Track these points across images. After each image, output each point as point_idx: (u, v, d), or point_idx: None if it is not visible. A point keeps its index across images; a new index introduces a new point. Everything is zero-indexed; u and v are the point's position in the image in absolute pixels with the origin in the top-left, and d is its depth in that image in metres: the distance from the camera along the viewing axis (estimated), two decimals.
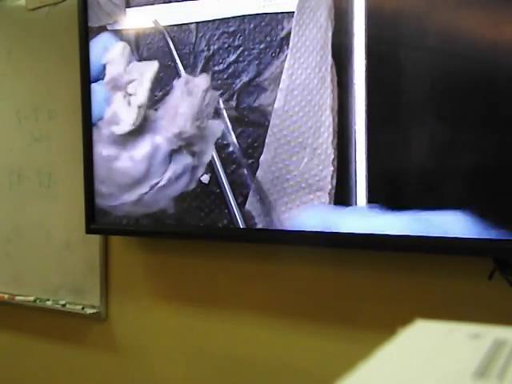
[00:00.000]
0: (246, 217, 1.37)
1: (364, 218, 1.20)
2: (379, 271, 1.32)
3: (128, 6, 1.53)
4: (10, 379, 2.01)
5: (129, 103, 1.52)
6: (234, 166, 1.38)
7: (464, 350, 0.37)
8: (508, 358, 0.35)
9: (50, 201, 1.85)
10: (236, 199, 1.38)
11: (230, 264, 1.53)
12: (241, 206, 1.37)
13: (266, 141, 1.33)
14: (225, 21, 1.38)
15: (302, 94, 1.28)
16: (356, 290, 1.35)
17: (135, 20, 1.53)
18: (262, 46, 1.33)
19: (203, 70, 1.41)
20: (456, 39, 1.12)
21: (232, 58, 1.37)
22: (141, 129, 1.51)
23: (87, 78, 1.59)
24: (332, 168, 1.25)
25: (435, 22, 1.13)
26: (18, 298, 1.92)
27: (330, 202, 1.26)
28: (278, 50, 1.31)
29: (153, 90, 1.49)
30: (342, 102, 1.23)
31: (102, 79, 1.57)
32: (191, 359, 1.62)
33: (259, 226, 1.35)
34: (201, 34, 1.42)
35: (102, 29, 1.57)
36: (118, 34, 1.55)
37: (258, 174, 1.34)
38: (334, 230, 1.25)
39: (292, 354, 1.44)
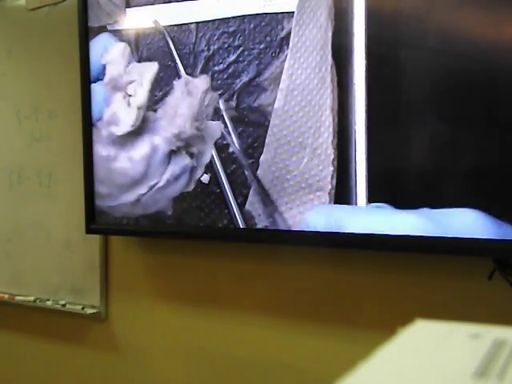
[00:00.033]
0: (246, 217, 1.37)
1: (369, 217, 1.20)
2: (379, 271, 1.32)
3: (128, 5, 1.53)
4: (10, 379, 2.01)
5: (128, 104, 1.52)
6: (234, 166, 1.38)
7: (464, 350, 0.37)
8: (508, 358, 0.35)
9: (50, 201, 1.85)
10: (236, 199, 1.38)
11: (230, 264, 1.53)
12: (241, 206, 1.37)
13: (266, 141, 1.33)
14: (225, 21, 1.38)
15: (302, 94, 1.28)
16: (356, 289, 1.35)
17: (135, 20, 1.53)
18: (261, 46, 1.33)
19: (203, 70, 1.41)
20: (456, 39, 1.12)
21: (232, 58, 1.37)
22: (140, 129, 1.51)
23: (87, 78, 1.59)
24: (332, 168, 1.25)
25: (435, 22, 1.13)
26: (17, 297, 1.92)
27: (329, 202, 1.26)
28: (278, 49, 1.31)
29: (152, 90, 1.49)
30: (342, 102, 1.23)
31: (102, 79, 1.57)
32: (191, 359, 1.62)
33: (259, 225, 1.35)
34: (201, 34, 1.42)
35: (102, 29, 1.57)
36: (118, 34, 1.55)
37: (258, 173, 1.34)
38: (340, 231, 1.24)
39: (292, 354, 1.44)
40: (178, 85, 1.45)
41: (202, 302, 1.59)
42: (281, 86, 1.30)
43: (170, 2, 1.45)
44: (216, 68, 1.40)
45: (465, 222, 1.10)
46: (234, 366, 1.54)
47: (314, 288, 1.41)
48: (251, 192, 1.36)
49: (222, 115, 1.39)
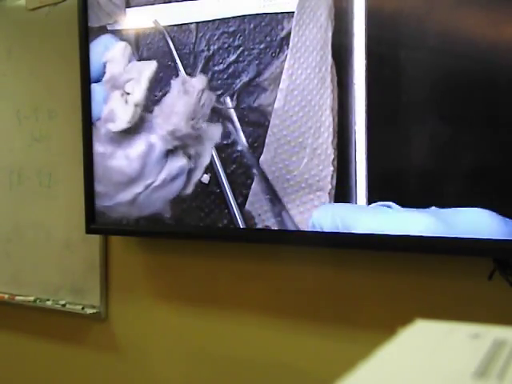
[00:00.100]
0: (246, 217, 1.37)
1: (376, 217, 1.19)
2: (379, 271, 1.32)
3: (128, 5, 1.53)
4: (10, 379, 2.01)
5: (126, 102, 1.52)
6: (234, 166, 1.38)
7: (464, 350, 0.37)
8: (508, 358, 0.35)
9: (50, 201, 1.85)
10: (236, 199, 1.38)
11: (230, 264, 1.53)
12: (241, 206, 1.37)
13: (266, 141, 1.33)
14: (225, 21, 1.38)
15: (302, 94, 1.28)
16: (356, 289, 1.35)
17: (135, 20, 1.53)
18: (261, 46, 1.33)
19: (203, 70, 1.41)
20: (456, 39, 1.12)
21: (232, 58, 1.37)
22: (137, 127, 1.51)
23: (87, 78, 1.59)
24: (332, 168, 1.25)
25: (435, 22, 1.13)
26: (17, 297, 1.92)
27: (330, 202, 1.26)
28: (278, 49, 1.31)
29: (151, 89, 1.49)
30: (342, 102, 1.23)
31: (99, 80, 1.57)
32: (191, 359, 1.62)
33: (259, 225, 1.35)
34: (201, 34, 1.42)
35: (102, 29, 1.57)
36: (118, 34, 1.55)
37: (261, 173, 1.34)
38: (347, 231, 1.24)
39: (292, 353, 1.44)
40: (175, 84, 1.45)
41: (202, 301, 1.59)
42: (281, 86, 1.30)
43: (170, 1, 1.45)
44: (216, 68, 1.40)
45: (474, 221, 1.10)
46: (234, 366, 1.54)
47: (314, 288, 1.41)
48: (254, 191, 1.35)
49: (222, 115, 1.39)
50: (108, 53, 1.56)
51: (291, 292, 1.44)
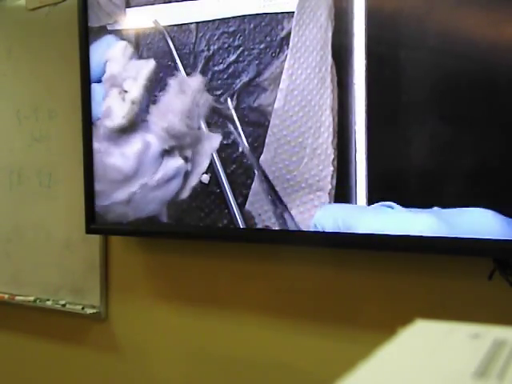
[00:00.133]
0: (246, 217, 1.37)
1: (378, 217, 1.19)
2: (379, 271, 1.32)
3: (128, 5, 1.53)
4: (10, 379, 2.01)
5: (123, 99, 1.52)
6: (234, 166, 1.38)
7: (464, 350, 0.37)
8: (508, 358, 0.35)
9: (50, 201, 1.85)
10: (236, 199, 1.38)
11: (230, 264, 1.53)
12: (241, 206, 1.37)
13: (266, 141, 1.33)
14: (225, 21, 1.38)
15: (302, 94, 1.28)
16: (356, 289, 1.35)
17: (135, 20, 1.53)
18: (262, 46, 1.33)
19: (202, 70, 1.41)
20: (456, 39, 1.12)
21: (232, 58, 1.37)
22: (134, 125, 1.51)
23: (87, 77, 1.59)
24: (332, 168, 1.25)
25: (435, 22, 1.13)
26: (17, 297, 1.92)
27: (330, 202, 1.26)
28: (278, 49, 1.31)
29: (150, 88, 1.49)
30: (342, 102, 1.23)
31: (100, 81, 1.57)
32: (191, 359, 1.62)
33: (259, 225, 1.35)
34: (201, 34, 1.42)
35: (102, 29, 1.57)
36: (118, 34, 1.55)
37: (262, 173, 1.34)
38: (349, 231, 1.24)
39: (292, 353, 1.44)
40: (172, 83, 1.45)
41: (201, 301, 1.59)
42: (281, 86, 1.30)
43: (170, 1, 1.45)
44: (216, 68, 1.40)
45: (477, 222, 1.09)
46: (234, 365, 1.54)
47: (314, 288, 1.41)
48: (254, 191, 1.35)
49: (226, 115, 1.39)
50: (109, 52, 1.56)
51: (291, 292, 1.44)
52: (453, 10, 1.12)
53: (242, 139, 1.36)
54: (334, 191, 1.25)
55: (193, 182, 1.44)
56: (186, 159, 1.44)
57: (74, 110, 1.68)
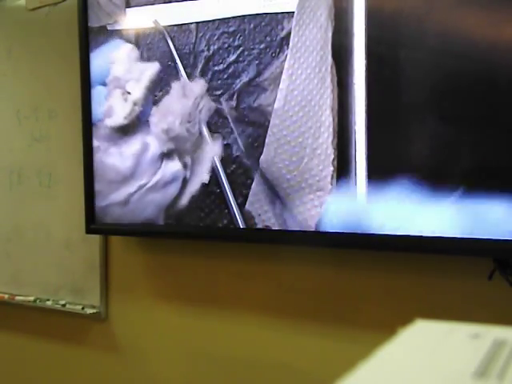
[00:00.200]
0: (246, 217, 1.37)
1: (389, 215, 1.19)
2: (379, 271, 1.32)
3: (128, 5, 1.53)
4: (10, 379, 2.01)
5: (125, 100, 1.52)
6: (234, 166, 1.38)
7: (464, 350, 0.37)
8: (508, 358, 0.35)
9: (50, 201, 1.85)
10: (236, 199, 1.38)
11: (230, 264, 1.53)
12: (241, 206, 1.37)
13: (266, 141, 1.33)
14: (225, 21, 1.38)
15: (302, 94, 1.28)
16: (356, 289, 1.35)
17: (135, 20, 1.53)
18: (261, 46, 1.33)
19: (203, 71, 1.41)
20: (456, 39, 1.12)
21: (232, 58, 1.37)
22: (134, 126, 1.51)
23: (87, 78, 1.59)
24: (332, 168, 1.25)
25: (435, 22, 1.13)
26: (17, 297, 1.92)
27: (330, 203, 1.26)
28: (278, 49, 1.31)
29: (151, 89, 1.49)
30: (342, 102, 1.23)
31: (105, 84, 1.57)
32: (191, 359, 1.62)
33: (259, 225, 1.35)
34: (201, 34, 1.42)
35: (102, 29, 1.57)
36: (118, 34, 1.55)
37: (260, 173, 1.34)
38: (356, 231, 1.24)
39: (292, 353, 1.44)
40: (175, 86, 1.45)
41: (201, 301, 1.59)
42: (281, 86, 1.30)
43: (170, 1, 1.45)
44: (216, 68, 1.40)
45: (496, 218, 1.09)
46: (234, 365, 1.54)
47: (315, 288, 1.41)
48: (254, 191, 1.35)
49: (226, 115, 1.39)
50: (113, 54, 1.56)
51: (291, 292, 1.44)
52: (453, 10, 1.12)
53: (241, 139, 1.36)
54: (333, 191, 1.25)
55: (191, 189, 1.43)
56: (185, 166, 1.44)
57: (74, 109, 1.68)
